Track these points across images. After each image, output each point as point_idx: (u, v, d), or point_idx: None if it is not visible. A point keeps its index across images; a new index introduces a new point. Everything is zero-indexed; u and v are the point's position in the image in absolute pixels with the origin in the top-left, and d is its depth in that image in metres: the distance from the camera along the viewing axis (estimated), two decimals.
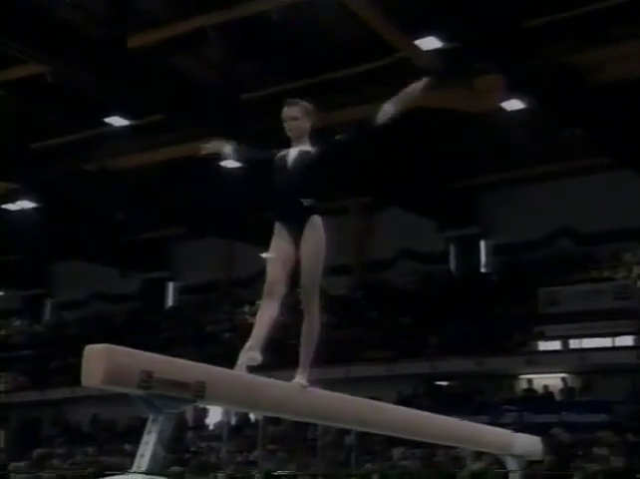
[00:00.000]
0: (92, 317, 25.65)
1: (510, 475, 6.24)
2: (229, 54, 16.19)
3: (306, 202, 4.38)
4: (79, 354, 3.33)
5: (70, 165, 19.46)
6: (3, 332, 28.05)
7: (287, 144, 4.64)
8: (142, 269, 25.75)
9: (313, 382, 4.39)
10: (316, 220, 4.41)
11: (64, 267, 26.87)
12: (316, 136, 4.60)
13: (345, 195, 21.36)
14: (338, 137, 4.50)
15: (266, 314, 4.32)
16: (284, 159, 4.51)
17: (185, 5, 15.37)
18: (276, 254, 4.42)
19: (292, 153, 4.51)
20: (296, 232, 4.40)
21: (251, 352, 4.17)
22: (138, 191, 20.78)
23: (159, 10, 15.54)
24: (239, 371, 4.11)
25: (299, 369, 4.40)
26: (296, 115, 4.52)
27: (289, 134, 4.56)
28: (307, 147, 4.51)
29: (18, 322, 28.41)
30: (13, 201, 21.00)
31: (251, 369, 4.17)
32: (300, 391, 4.29)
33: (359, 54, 15.46)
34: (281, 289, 4.37)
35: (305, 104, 4.59)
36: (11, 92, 17.19)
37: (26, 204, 21.10)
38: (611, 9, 13.67)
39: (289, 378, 4.37)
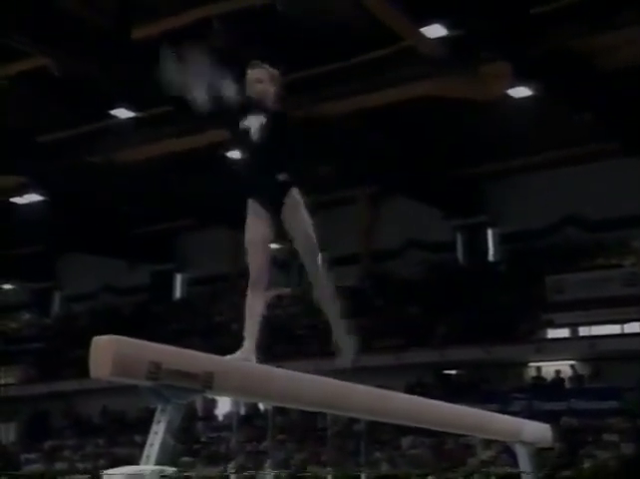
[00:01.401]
0: (100, 310, 25.74)
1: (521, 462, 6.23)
2: (234, 44, 16.14)
3: (281, 176, 4.18)
4: (88, 346, 3.33)
5: (77, 158, 19.48)
6: (12, 325, 28.16)
7: None
8: (150, 261, 25.80)
9: (322, 373, 4.38)
10: (294, 193, 4.22)
11: (72, 260, 26.97)
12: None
13: (351, 185, 21.36)
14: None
15: (255, 309, 4.18)
16: (247, 129, 4.24)
17: None
18: (256, 241, 4.23)
19: (254, 123, 4.24)
20: (274, 209, 4.21)
21: (249, 355, 4.06)
22: (145, 183, 20.80)
23: (162, 1, 15.51)
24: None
25: (334, 336, 4.34)
26: (260, 77, 4.33)
27: (252, 96, 4.31)
28: (267, 115, 4.23)
29: (27, 315, 28.53)
30: (21, 194, 21.07)
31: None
32: (309, 381, 4.27)
33: (364, 43, 15.39)
34: (266, 278, 4.23)
35: (271, 69, 4.40)
36: (17, 85, 17.19)
37: (34, 197, 21.16)
38: None
39: (299, 368, 4.36)
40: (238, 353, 4.09)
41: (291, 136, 4.25)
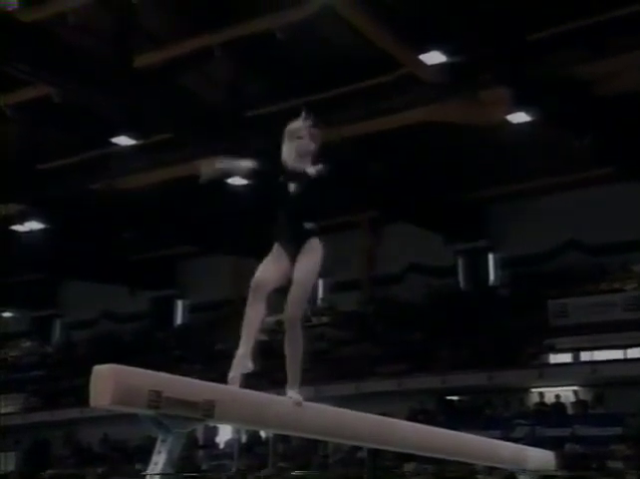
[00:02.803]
0: (101, 337, 25.63)
1: None
2: (235, 72, 16.26)
3: (307, 225, 4.40)
4: (88, 374, 3.32)
5: (78, 185, 19.53)
6: (13, 353, 28.03)
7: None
8: (150, 288, 25.75)
9: (324, 399, 4.36)
10: (314, 242, 4.42)
11: (73, 287, 26.91)
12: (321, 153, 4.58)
13: (353, 210, 21.39)
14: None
15: (254, 317, 4.27)
16: (287, 180, 4.48)
17: (191, 24, 15.46)
18: (271, 258, 4.40)
19: (295, 175, 4.47)
20: (294, 253, 4.39)
21: (244, 361, 4.15)
22: (145, 209, 20.83)
23: (164, 29, 15.64)
24: (233, 383, 4.08)
25: (288, 384, 4.35)
26: (301, 134, 4.51)
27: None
28: (309, 169, 4.45)
29: (28, 343, 28.41)
30: (22, 222, 21.08)
31: (245, 377, 4.13)
32: (310, 409, 4.25)
33: (363, 70, 15.50)
34: (268, 289, 4.32)
35: (312, 127, 4.56)
36: (19, 113, 17.27)
37: (34, 224, 21.17)
38: (616, 20, 13.67)
39: (300, 395, 4.32)
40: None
41: (327, 191, 4.47)
